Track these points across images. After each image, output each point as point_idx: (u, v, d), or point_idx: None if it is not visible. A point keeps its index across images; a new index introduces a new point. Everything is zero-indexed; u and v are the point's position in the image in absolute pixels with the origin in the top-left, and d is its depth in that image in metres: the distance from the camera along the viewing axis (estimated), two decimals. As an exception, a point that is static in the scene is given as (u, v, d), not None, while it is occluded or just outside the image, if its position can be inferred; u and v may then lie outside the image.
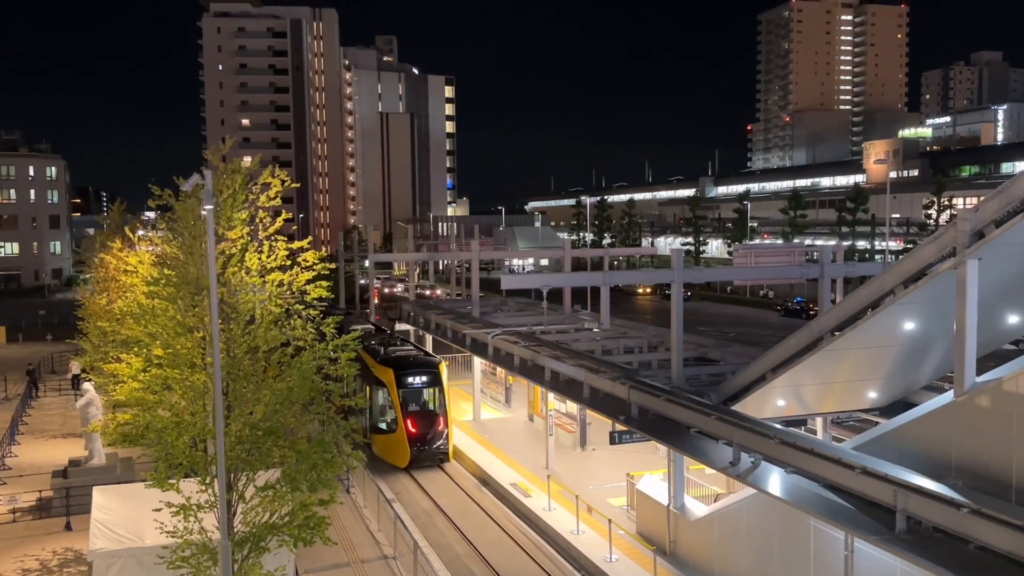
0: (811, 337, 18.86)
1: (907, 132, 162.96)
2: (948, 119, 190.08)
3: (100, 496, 19.04)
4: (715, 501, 21.44)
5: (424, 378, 30.43)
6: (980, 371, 15.01)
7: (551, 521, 23.51)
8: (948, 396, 15.63)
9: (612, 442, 23.36)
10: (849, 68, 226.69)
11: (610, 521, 21.41)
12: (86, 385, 28.63)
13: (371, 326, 40.48)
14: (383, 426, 30.33)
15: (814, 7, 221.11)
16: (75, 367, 42.88)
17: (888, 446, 16.24)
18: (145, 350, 16.49)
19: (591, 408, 24.43)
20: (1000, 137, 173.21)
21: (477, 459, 29.81)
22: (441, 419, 30.06)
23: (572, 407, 30.06)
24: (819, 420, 22.38)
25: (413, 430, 29.54)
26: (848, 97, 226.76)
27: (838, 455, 15.14)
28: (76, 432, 33.11)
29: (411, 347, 34.90)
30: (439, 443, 29.86)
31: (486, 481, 28.13)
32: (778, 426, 17.68)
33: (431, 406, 30.38)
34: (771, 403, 20.29)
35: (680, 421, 19.48)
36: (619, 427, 22.40)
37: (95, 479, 24.11)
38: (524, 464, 28.96)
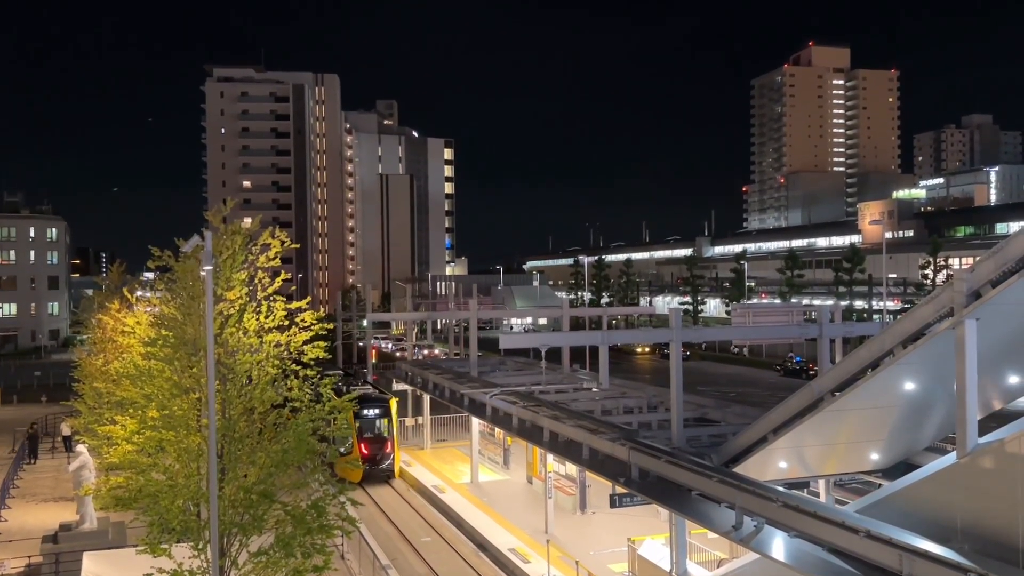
0: (811, 397, 18.74)
1: (901, 193, 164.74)
2: (941, 180, 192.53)
3: (91, 562, 18.68)
4: (718, 567, 21.02)
5: (376, 411, 37.14)
6: (982, 432, 14.89)
7: (551, 587, 22.99)
8: (951, 458, 15.46)
9: (613, 505, 23.01)
10: (842, 131, 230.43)
11: (611, 587, 20.94)
12: (80, 447, 28.29)
13: (340, 371, 48.30)
14: (342, 450, 34.33)
15: (806, 72, 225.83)
16: (66, 428, 42.47)
17: (892, 509, 16.01)
18: (140, 412, 16.37)
19: (591, 470, 24.13)
20: (993, 198, 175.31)
21: (475, 523, 29.33)
22: (389, 444, 36.60)
23: (572, 469, 29.70)
24: (822, 482, 22.11)
25: (366, 452, 35.57)
26: (842, 159, 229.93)
27: (842, 519, 14.91)
28: (68, 495, 32.59)
29: (369, 387, 42.06)
30: (387, 463, 36.47)
31: (484, 546, 27.62)
32: (781, 489, 17.45)
33: (382, 433, 36.62)
34: (773, 465, 20.06)
35: (681, 484, 19.23)
36: (619, 490, 22.08)
37: (86, 544, 23.64)
38: (523, 528, 28.48)
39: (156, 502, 15.00)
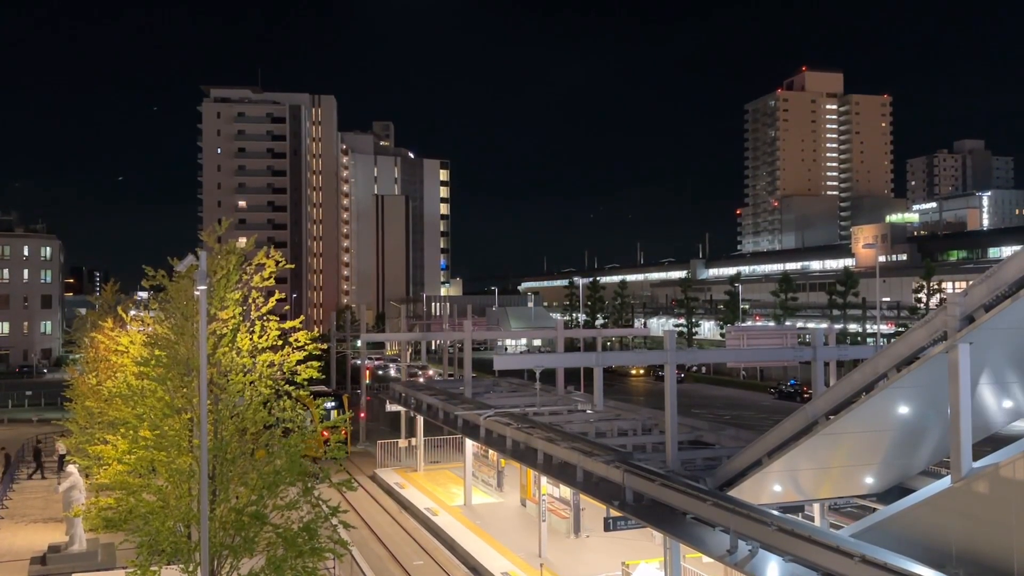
0: (806, 421, 18.71)
1: (894, 217, 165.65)
2: (934, 205, 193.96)
3: (78, 584, 18.45)
4: (712, 590, 20.86)
5: (332, 404, 45.12)
6: (977, 456, 14.87)
7: (544, 611, 22.78)
8: (945, 482, 15.43)
9: (607, 528, 22.83)
10: (835, 155, 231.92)
11: (605, 611, 20.77)
12: (70, 468, 28.05)
13: None
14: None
15: (799, 97, 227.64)
16: (61, 448, 42.15)
17: (887, 533, 15.94)
18: (132, 431, 16.27)
19: (585, 493, 24.01)
20: (985, 222, 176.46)
21: (468, 547, 29.11)
22: (342, 430, 45.01)
23: (566, 491, 29.54)
24: (816, 506, 22.01)
25: (324, 436, 45.05)
26: (835, 183, 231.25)
27: (836, 543, 14.83)
28: (58, 516, 32.26)
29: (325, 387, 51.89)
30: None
31: (477, 570, 27.40)
32: (775, 513, 17.37)
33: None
34: (768, 488, 19.98)
35: (676, 507, 19.13)
36: (614, 513, 21.96)
37: (75, 566, 23.39)
38: (516, 552, 28.26)
39: (146, 523, 14.87)
